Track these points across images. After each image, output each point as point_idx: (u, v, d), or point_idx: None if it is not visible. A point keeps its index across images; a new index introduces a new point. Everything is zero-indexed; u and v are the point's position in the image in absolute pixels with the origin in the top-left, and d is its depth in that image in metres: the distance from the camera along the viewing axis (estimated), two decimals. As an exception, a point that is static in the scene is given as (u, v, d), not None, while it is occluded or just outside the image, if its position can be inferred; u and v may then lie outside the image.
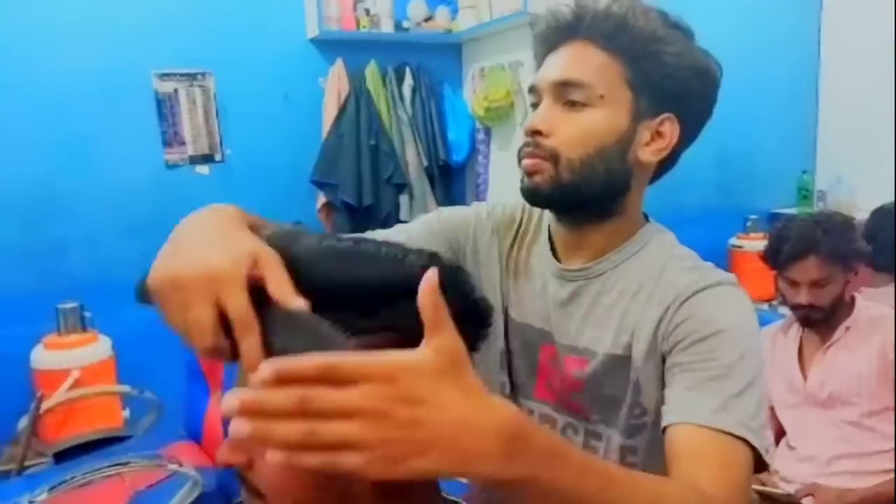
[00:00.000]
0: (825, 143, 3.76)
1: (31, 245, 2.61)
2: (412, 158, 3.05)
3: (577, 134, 0.80)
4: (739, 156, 3.54)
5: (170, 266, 0.53)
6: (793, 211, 3.35)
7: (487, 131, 3.14)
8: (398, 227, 0.99)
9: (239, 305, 0.50)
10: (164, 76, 2.74)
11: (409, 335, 0.47)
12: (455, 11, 3.13)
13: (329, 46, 2.99)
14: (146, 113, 2.74)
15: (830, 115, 3.70)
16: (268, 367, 0.40)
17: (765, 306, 2.42)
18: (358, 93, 2.97)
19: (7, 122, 2.53)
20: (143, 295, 0.57)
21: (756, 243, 3.15)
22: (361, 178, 2.91)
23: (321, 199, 2.96)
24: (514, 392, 0.93)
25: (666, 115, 0.82)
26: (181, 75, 2.77)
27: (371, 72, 3.00)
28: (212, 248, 0.53)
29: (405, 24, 3.10)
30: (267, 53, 2.91)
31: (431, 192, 3.10)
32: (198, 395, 2.12)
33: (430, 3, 3.14)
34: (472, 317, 0.57)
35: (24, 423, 2.20)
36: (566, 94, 0.81)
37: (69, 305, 2.41)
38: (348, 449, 0.41)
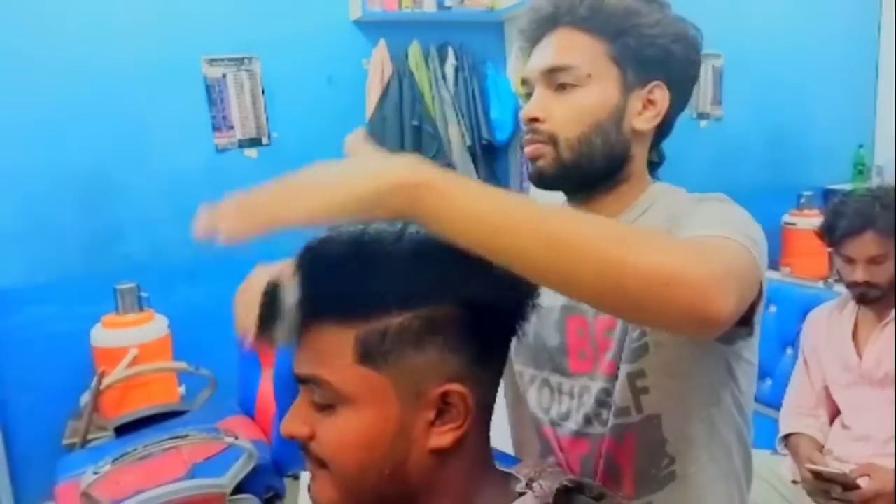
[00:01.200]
0: (884, 116, 3.62)
1: (89, 229, 2.69)
2: (455, 138, 3.04)
3: (571, 114, 0.84)
4: (792, 130, 3.44)
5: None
6: (848, 186, 3.25)
7: (531, 110, 3.11)
8: None
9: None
10: (212, 62, 2.79)
11: (467, 305, 0.58)
12: (498, -12, 3.10)
13: (372, 28, 3.00)
14: (196, 98, 2.80)
15: (890, 86, 3.55)
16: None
17: (819, 284, 2.36)
18: (401, 73, 2.97)
19: (64, 112, 2.61)
20: None
21: (809, 220, 3.06)
22: (405, 159, 2.92)
23: (366, 180, 2.98)
24: (551, 371, 0.93)
25: (654, 82, 0.85)
26: (229, 60, 2.81)
27: (414, 52, 3.00)
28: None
29: (447, 3, 3.08)
30: (311, 36, 2.93)
31: (475, 172, 3.09)
32: (251, 372, 2.18)
33: (473, -20, 3.12)
34: (514, 282, 0.59)
35: (86, 398, 2.30)
36: (555, 79, 0.84)
37: (127, 286, 2.49)
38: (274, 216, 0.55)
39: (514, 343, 0.94)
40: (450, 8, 3.08)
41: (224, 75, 2.82)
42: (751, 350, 0.86)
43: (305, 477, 2.05)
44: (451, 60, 3.06)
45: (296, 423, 0.61)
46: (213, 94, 2.81)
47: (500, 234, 0.54)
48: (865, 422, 1.65)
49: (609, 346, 0.86)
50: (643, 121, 0.86)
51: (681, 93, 0.88)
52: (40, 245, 2.63)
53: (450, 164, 3.00)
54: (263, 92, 2.88)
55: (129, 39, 2.67)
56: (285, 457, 1.91)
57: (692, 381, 0.83)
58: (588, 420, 0.89)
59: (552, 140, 0.84)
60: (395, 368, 0.57)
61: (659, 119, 0.86)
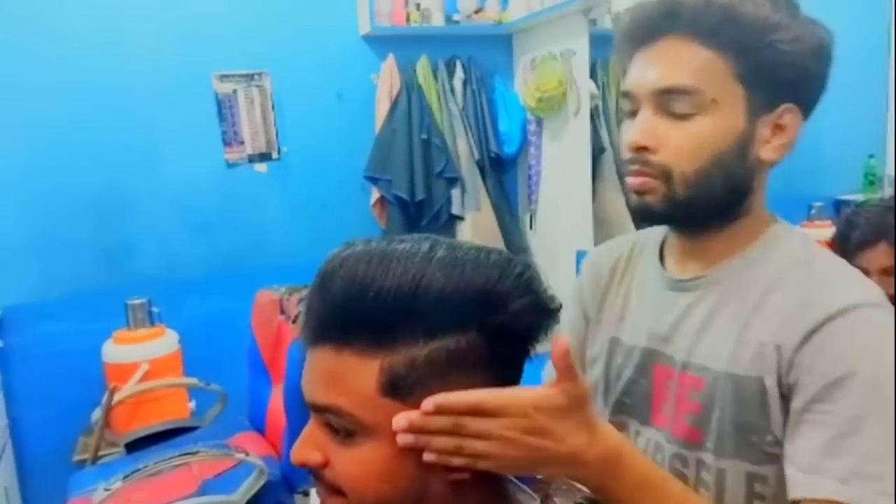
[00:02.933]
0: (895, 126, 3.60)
1: (100, 244, 2.71)
2: (464, 152, 3.05)
3: (689, 145, 0.72)
4: (803, 141, 3.42)
5: None
6: (859, 197, 3.22)
7: (539, 122, 3.11)
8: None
9: None
10: (223, 77, 2.81)
11: (493, 333, 0.57)
12: (505, 2, 3.12)
13: (381, 42, 3.02)
14: (207, 113, 2.82)
15: (900, 96, 3.54)
16: (431, 401, 0.54)
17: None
18: (409, 88, 2.98)
19: (76, 128, 2.64)
20: None
21: (821, 231, 3.04)
22: (414, 172, 2.93)
23: (375, 194, 2.99)
24: (632, 418, 0.86)
25: (785, 105, 0.74)
26: (240, 76, 2.83)
27: (422, 66, 3.01)
28: None
29: (455, 17, 3.10)
30: (321, 52, 2.95)
31: (483, 185, 3.10)
32: (261, 387, 2.17)
33: (480, -5, 3.14)
34: (541, 306, 0.59)
35: (97, 414, 2.29)
36: (671, 102, 0.73)
37: (138, 301, 2.50)
38: (484, 459, 0.56)
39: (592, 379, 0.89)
40: (458, 22, 3.10)
41: (234, 91, 2.84)
42: None
43: (316, 494, 2.04)
44: (459, 74, 3.07)
45: (308, 450, 0.58)
46: (224, 110, 2.83)
47: None
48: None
49: (691, 409, 0.77)
50: (771, 150, 0.75)
51: (808, 113, 0.76)
52: (52, 261, 2.65)
53: (458, 178, 3.01)
54: (273, 107, 2.90)
55: (140, 55, 2.70)
56: (296, 473, 1.90)
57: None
58: None
59: (665, 175, 0.73)
60: (419, 400, 0.55)
61: (789, 148, 0.75)
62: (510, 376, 0.61)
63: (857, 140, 3.58)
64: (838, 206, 3.25)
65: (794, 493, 0.66)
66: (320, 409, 0.58)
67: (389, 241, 0.58)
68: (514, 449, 0.56)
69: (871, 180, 3.59)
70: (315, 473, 0.60)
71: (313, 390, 0.58)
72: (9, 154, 2.57)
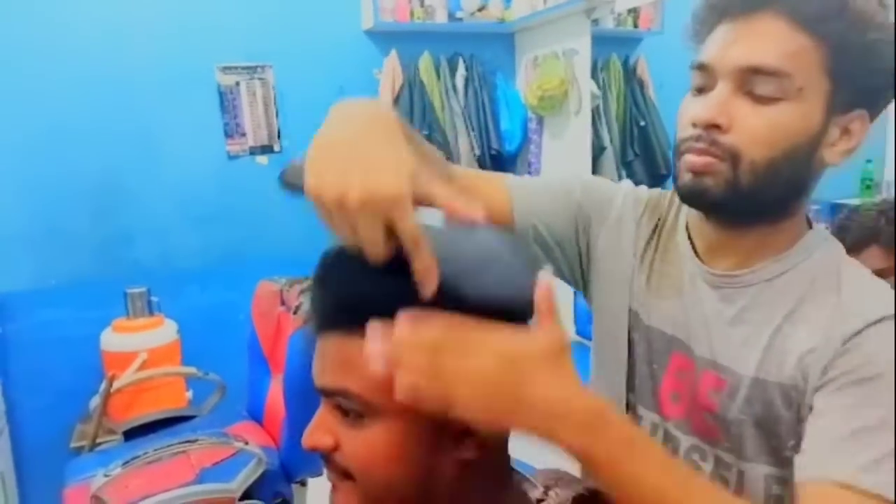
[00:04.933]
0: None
1: (101, 233, 2.72)
2: (464, 148, 3.06)
3: (765, 131, 0.67)
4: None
5: (336, 181, 0.52)
6: (855, 201, 3.25)
7: (540, 120, 3.13)
8: (535, 179, 0.91)
9: (411, 228, 0.52)
10: (226, 69, 2.82)
11: (494, 313, 0.55)
12: (508, 0, 3.13)
13: (384, 38, 3.02)
14: (209, 105, 2.82)
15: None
16: (406, 326, 0.51)
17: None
18: (411, 83, 3.00)
19: (77, 117, 2.64)
20: (290, 182, 0.61)
21: (817, 234, 3.06)
22: (414, 168, 2.94)
23: (375, 188, 3.00)
24: (631, 393, 0.85)
25: (858, 111, 0.69)
26: (242, 68, 2.84)
27: (424, 62, 3.02)
28: (379, 166, 0.52)
29: (458, 15, 3.11)
30: (323, 46, 2.96)
31: (484, 182, 3.11)
32: (259, 378, 2.18)
33: (484, -8, 3.15)
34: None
35: (95, 402, 2.30)
36: (754, 83, 0.67)
37: (137, 290, 2.51)
38: (456, 400, 0.51)
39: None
40: (461, 19, 3.11)
41: (237, 83, 2.84)
42: None
43: (313, 483, 2.06)
44: (461, 71, 3.09)
45: (319, 434, 0.59)
46: (226, 102, 2.84)
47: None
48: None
49: (710, 407, 0.75)
50: (836, 154, 0.70)
51: (872, 121, 0.72)
52: (52, 249, 2.66)
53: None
54: (275, 100, 2.91)
55: (144, 46, 2.70)
56: (294, 463, 1.91)
57: None
58: None
59: (733, 157, 0.68)
60: None
61: (851, 155, 0.71)
62: None
63: (855, 145, 3.61)
64: (835, 209, 3.27)
65: (803, 473, 0.62)
66: (330, 393, 0.59)
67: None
68: (490, 391, 0.51)
69: (868, 185, 3.61)
70: (326, 458, 0.60)
71: (323, 375, 0.59)
72: (11, 142, 2.57)
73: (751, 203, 0.70)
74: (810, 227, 0.77)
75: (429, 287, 0.52)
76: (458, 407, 0.51)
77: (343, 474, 0.59)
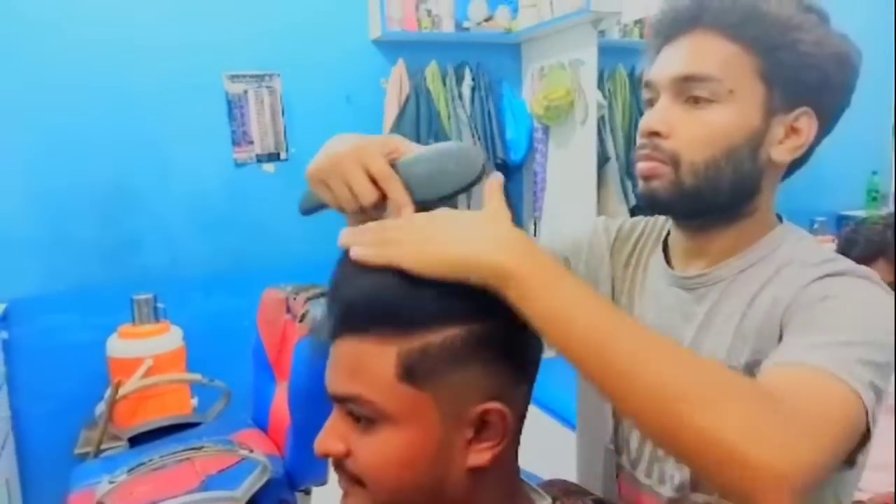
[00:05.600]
0: (898, 142, 3.63)
1: (108, 240, 2.73)
2: (471, 157, 3.07)
3: (701, 134, 0.73)
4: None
5: (326, 155, 0.66)
6: (861, 213, 3.25)
7: (546, 130, 3.14)
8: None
9: (380, 166, 0.63)
10: (234, 78, 2.84)
11: (505, 319, 0.57)
12: (515, 11, 3.15)
13: (391, 47, 3.04)
14: (217, 113, 2.84)
15: (905, 113, 3.56)
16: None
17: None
18: (418, 92, 3.01)
19: (87, 125, 2.66)
20: (308, 203, 0.73)
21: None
22: (420, 176, 2.94)
23: (381, 197, 3.00)
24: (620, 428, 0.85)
25: (802, 109, 0.74)
26: (250, 77, 2.86)
27: (431, 72, 3.04)
28: (354, 139, 0.66)
29: (465, 25, 3.13)
30: (331, 55, 2.97)
31: (489, 191, 3.11)
32: (264, 385, 2.18)
33: (491, 2, 3.16)
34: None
35: (101, 408, 2.30)
36: (689, 89, 0.73)
37: (143, 297, 2.51)
38: (401, 255, 0.56)
39: None
40: (468, 29, 3.13)
41: (245, 91, 2.86)
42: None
43: (318, 492, 2.05)
44: (467, 81, 3.10)
45: (331, 440, 0.60)
46: (234, 110, 2.85)
47: (570, 343, 0.54)
48: (884, 450, 1.64)
49: None
50: (783, 151, 0.75)
51: (827, 122, 0.77)
52: (59, 255, 2.67)
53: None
54: (283, 108, 2.92)
55: (153, 55, 2.73)
56: (298, 471, 1.91)
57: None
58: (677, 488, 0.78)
59: (673, 161, 0.73)
60: (437, 387, 0.57)
61: (801, 151, 0.76)
62: (526, 363, 0.62)
63: (861, 156, 3.60)
64: (840, 221, 3.27)
65: (760, 375, 0.62)
66: (342, 399, 0.59)
67: None
68: (426, 237, 0.57)
69: (874, 196, 3.61)
70: (337, 464, 0.61)
71: (335, 381, 0.60)
72: (20, 150, 2.59)
73: (698, 202, 0.74)
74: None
75: (404, 210, 0.62)
76: (397, 258, 0.56)
77: (354, 480, 0.60)
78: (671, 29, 0.77)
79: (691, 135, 0.73)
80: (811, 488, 0.51)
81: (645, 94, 0.79)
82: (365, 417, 0.58)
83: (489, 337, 0.58)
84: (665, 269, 0.83)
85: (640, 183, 0.77)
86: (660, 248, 0.86)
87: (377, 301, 0.57)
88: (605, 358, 0.53)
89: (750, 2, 0.73)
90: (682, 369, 0.53)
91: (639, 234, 0.90)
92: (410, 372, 0.56)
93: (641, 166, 0.76)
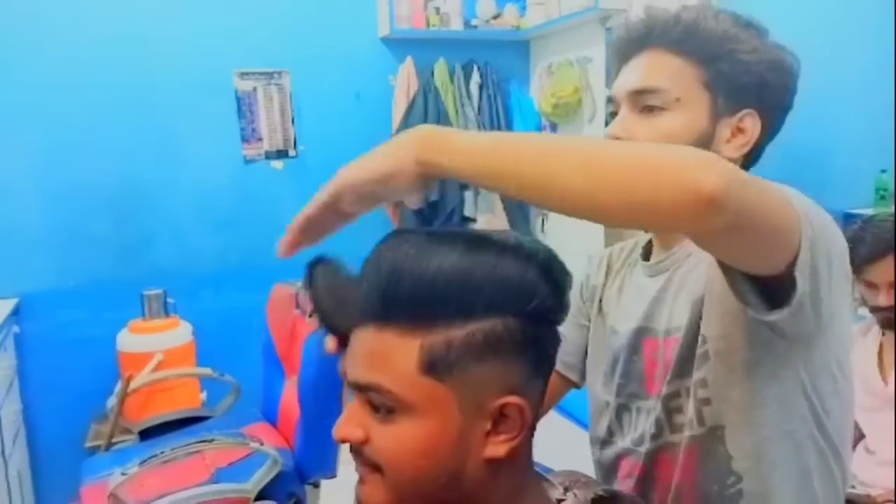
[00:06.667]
0: (907, 140, 3.61)
1: (119, 236, 2.75)
2: (478, 155, 3.07)
3: (655, 137, 0.82)
4: (812, 153, 3.43)
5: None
6: (869, 211, 3.23)
7: (554, 128, 3.14)
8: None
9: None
10: (244, 75, 2.86)
11: (526, 317, 0.60)
12: (523, 9, 3.15)
13: (399, 45, 3.05)
14: (227, 110, 2.86)
15: (913, 111, 3.55)
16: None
17: (841, 308, 2.34)
18: (426, 90, 3.02)
19: (98, 123, 2.68)
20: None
21: (830, 244, 3.04)
22: (428, 174, 2.96)
23: (389, 194, 3.01)
24: (633, 397, 0.91)
25: (746, 111, 0.83)
26: (260, 74, 2.88)
27: (439, 69, 3.04)
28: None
29: (474, 22, 3.14)
30: (340, 52, 2.99)
31: (497, 189, 3.12)
32: (274, 380, 2.20)
33: (499, 0, 3.17)
34: (562, 288, 0.63)
35: (112, 401, 2.33)
36: (642, 100, 0.83)
37: (154, 292, 2.53)
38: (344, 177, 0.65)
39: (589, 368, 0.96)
40: (476, 27, 3.13)
41: (254, 88, 2.88)
42: (836, 364, 0.78)
43: (326, 485, 2.07)
44: (475, 78, 3.11)
45: (350, 427, 0.61)
46: (243, 107, 2.87)
47: (496, 154, 0.60)
48: (890, 446, 1.65)
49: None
50: (731, 149, 0.84)
51: (773, 121, 0.85)
52: (71, 251, 2.70)
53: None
54: (292, 105, 2.94)
55: (163, 53, 2.75)
56: (307, 464, 1.93)
57: (756, 391, 0.76)
58: (651, 437, 0.86)
59: None
60: (458, 380, 0.58)
61: (747, 148, 0.84)
62: (542, 358, 0.64)
63: (869, 154, 3.60)
64: (848, 219, 3.26)
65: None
66: (362, 388, 0.61)
67: (432, 231, 0.62)
68: (367, 156, 0.64)
69: (883, 195, 3.60)
70: (355, 450, 0.62)
71: (355, 369, 0.61)
72: (33, 148, 2.62)
73: None
74: None
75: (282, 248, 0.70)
76: (340, 181, 0.63)
77: (372, 467, 0.61)
78: (627, 50, 0.87)
79: (647, 138, 0.83)
80: (732, 208, 0.53)
81: (609, 108, 0.91)
82: (384, 406, 0.59)
83: (510, 332, 0.59)
84: (640, 263, 0.95)
85: None
86: (639, 249, 0.98)
87: (402, 294, 0.58)
88: (533, 151, 0.60)
89: (691, 20, 0.82)
90: (593, 141, 0.61)
91: (609, 255, 1.03)
92: (433, 365, 0.58)
93: None
